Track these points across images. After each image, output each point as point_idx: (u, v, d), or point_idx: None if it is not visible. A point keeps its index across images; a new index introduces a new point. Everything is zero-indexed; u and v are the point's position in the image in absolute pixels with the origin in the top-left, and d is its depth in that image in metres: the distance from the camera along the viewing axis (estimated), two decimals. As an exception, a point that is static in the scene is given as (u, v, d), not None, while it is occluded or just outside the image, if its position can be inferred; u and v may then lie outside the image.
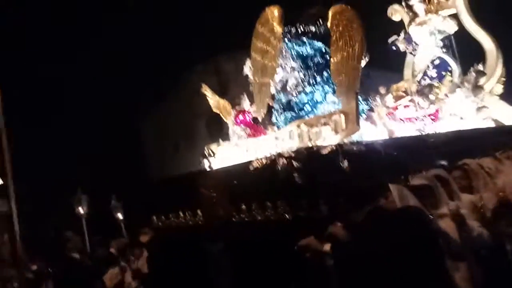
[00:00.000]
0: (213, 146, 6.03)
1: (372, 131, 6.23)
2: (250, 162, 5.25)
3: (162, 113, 17.08)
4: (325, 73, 5.97)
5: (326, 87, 5.96)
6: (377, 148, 5.53)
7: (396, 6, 11.30)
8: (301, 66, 6.02)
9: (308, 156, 4.92)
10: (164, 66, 14.77)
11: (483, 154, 7.55)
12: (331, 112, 5.62)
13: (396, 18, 11.46)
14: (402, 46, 11.01)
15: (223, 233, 5.15)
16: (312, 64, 5.98)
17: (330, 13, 6.11)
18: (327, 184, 4.85)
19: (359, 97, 6.13)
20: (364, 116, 6.13)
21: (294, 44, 5.98)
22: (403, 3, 10.96)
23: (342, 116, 5.39)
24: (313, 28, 6.03)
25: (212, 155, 5.80)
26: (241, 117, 7.05)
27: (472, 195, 6.15)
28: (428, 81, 10.52)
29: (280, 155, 4.98)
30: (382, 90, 10.78)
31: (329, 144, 5.07)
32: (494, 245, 5.61)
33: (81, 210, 10.02)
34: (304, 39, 5.97)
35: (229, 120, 7.17)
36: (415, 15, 10.86)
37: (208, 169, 5.79)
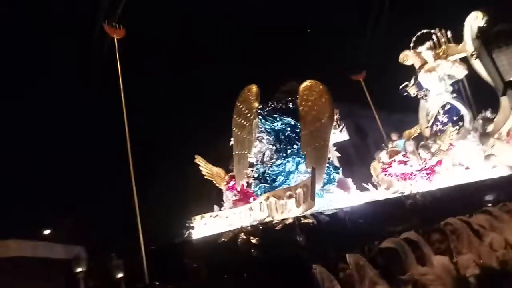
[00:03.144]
0: (197, 218, 6.61)
1: (346, 197, 6.51)
2: (220, 235, 5.76)
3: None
4: (295, 146, 6.41)
5: (298, 158, 6.38)
6: (341, 216, 5.82)
7: (407, 52, 11.57)
8: (274, 140, 6.52)
9: (264, 232, 5.33)
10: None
11: (479, 209, 7.49)
12: (296, 184, 6.02)
13: (408, 63, 11.70)
14: (413, 92, 11.19)
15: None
16: (283, 138, 6.46)
17: (300, 89, 6.62)
18: (282, 259, 5.20)
19: (329, 165, 6.50)
20: (335, 184, 6.45)
21: (266, 120, 6.51)
22: (412, 51, 11.22)
23: (304, 190, 5.77)
24: (284, 104, 6.53)
25: (192, 227, 6.37)
26: (232, 182, 7.63)
27: (446, 258, 6.20)
28: (439, 126, 10.59)
29: (241, 230, 5.45)
30: (394, 136, 10.96)
31: (286, 217, 5.45)
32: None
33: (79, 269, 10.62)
34: (275, 115, 6.47)
35: (222, 186, 7.79)
36: (424, 61, 11.04)
37: (187, 240, 6.36)
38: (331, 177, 6.39)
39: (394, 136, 10.84)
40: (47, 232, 17.46)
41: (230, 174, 7.74)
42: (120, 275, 9.45)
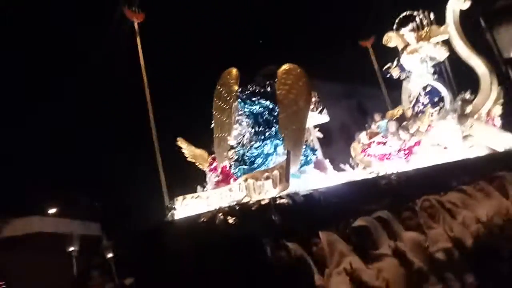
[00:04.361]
0: (179, 199, 6.80)
1: (323, 178, 6.73)
2: (200, 215, 5.97)
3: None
4: (273, 129, 6.58)
5: (276, 141, 6.55)
6: (316, 196, 6.03)
7: (390, 33, 11.69)
8: (252, 123, 6.68)
9: (241, 212, 5.54)
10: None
11: (451, 188, 7.75)
12: (274, 166, 6.21)
13: (391, 44, 11.83)
14: (395, 73, 11.36)
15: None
16: (261, 121, 6.62)
17: (278, 73, 6.75)
18: (259, 238, 5.42)
19: (307, 147, 6.70)
20: (311, 165, 6.65)
21: (246, 103, 6.66)
22: (395, 32, 11.33)
23: (280, 171, 5.96)
24: (262, 88, 6.67)
25: (174, 208, 6.57)
26: (215, 164, 7.81)
27: (416, 233, 6.48)
28: (420, 108, 10.79)
29: (219, 210, 5.65)
30: (377, 117, 11.16)
31: (262, 198, 5.67)
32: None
33: (71, 248, 11.07)
34: (254, 98, 6.62)
35: (205, 167, 7.97)
36: (406, 43, 11.17)
37: (169, 220, 6.58)
38: (308, 158, 6.58)
39: (377, 116, 11.03)
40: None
41: (213, 155, 7.92)
42: (109, 255, 9.72)
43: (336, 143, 14.73)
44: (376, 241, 5.99)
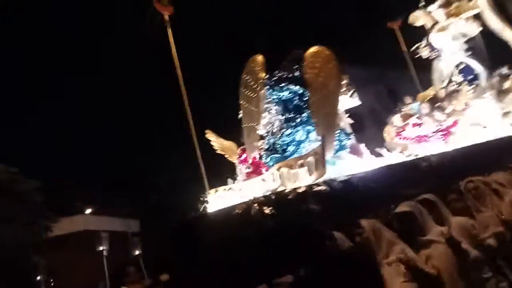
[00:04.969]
0: (211, 191, 6.63)
1: (359, 163, 6.42)
2: (234, 207, 5.78)
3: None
4: (304, 114, 6.31)
5: (308, 127, 6.29)
6: (354, 182, 5.76)
7: (417, 13, 11.18)
8: (282, 110, 6.43)
9: (277, 201, 5.32)
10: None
11: (497, 168, 7.31)
12: (307, 153, 5.96)
13: (418, 24, 11.33)
14: (425, 53, 10.86)
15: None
16: (291, 107, 6.36)
17: (305, 56, 6.46)
18: (296, 228, 5.19)
19: (340, 131, 6.41)
20: (346, 150, 6.36)
21: (274, 90, 6.41)
22: (422, 10, 10.84)
23: (315, 158, 5.71)
24: (290, 73, 6.41)
25: (206, 202, 6.41)
26: (244, 155, 7.59)
27: (465, 218, 6.10)
28: (455, 87, 10.29)
29: (254, 201, 5.44)
30: (408, 99, 10.72)
31: (298, 186, 5.43)
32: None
33: (102, 248, 11.29)
34: (283, 84, 6.37)
35: (234, 159, 7.76)
36: (435, 21, 10.67)
37: (202, 214, 6.41)
38: (342, 143, 6.30)
39: (408, 99, 10.57)
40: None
41: (242, 147, 7.70)
42: (137, 252, 9.79)
43: (365, 129, 14.32)
44: (423, 227, 5.66)
